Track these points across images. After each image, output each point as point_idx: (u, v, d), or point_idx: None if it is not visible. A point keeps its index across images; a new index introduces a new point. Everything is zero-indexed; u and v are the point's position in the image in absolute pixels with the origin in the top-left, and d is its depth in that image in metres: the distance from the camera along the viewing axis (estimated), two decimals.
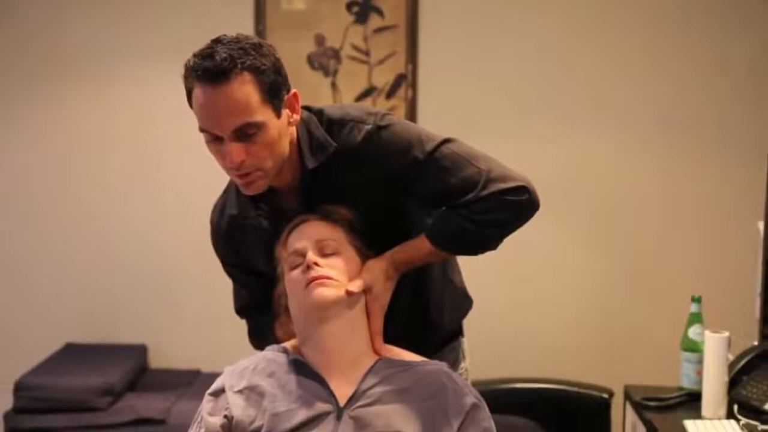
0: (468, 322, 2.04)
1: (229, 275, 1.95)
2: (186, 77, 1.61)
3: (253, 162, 1.62)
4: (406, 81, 3.82)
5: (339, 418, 1.53)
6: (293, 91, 1.67)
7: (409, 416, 1.53)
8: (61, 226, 3.98)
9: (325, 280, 1.59)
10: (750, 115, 3.71)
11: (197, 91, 1.58)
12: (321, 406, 1.54)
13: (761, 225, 2.86)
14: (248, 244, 1.82)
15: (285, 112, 1.65)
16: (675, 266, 3.78)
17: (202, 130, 1.62)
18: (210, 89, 1.56)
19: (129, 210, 3.96)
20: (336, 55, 3.84)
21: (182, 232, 3.81)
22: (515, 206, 1.68)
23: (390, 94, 3.82)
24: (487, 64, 3.82)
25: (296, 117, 1.69)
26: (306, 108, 1.75)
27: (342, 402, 1.55)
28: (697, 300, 2.64)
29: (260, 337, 1.87)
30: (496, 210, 1.67)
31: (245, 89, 1.57)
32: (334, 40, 3.83)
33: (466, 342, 2.02)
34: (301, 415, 1.52)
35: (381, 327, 1.66)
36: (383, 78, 3.83)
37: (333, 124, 1.72)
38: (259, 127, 1.59)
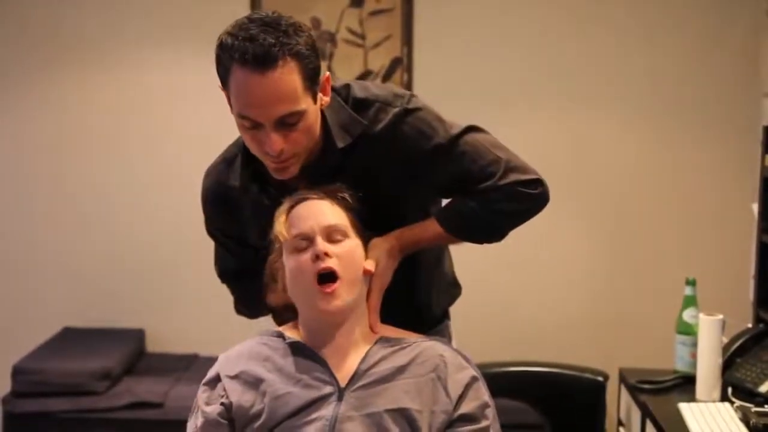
0: (461, 307, 2.04)
1: (213, 238, 1.90)
2: (222, 56, 1.54)
3: (291, 149, 1.59)
4: (401, 64, 3.81)
5: (340, 399, 1.53)
6: (327, 74, 1.63)
7: (409, 392, 1.54)
8: (59, 211, 3.97)
9: (336, 289, 1.56)
10: (744, 96, 3.70)
11: (239, 75, 1.52)
12: (322, 388, 1.54)
13: (755, 207, 2.87)
14: (244, 217, 1.78)
15: (319, 95, 1.62)
16: (670, 249, 3.79)
17: (240, 116, 1.56)
18: (256, 76, 1.50)
19: (127, 195, 3.96)
20: (332, 38, 3.82)
21: (180, 216, 3.79)
22: (529, 198, 1.72)
23: (385, 78, 3.80)
24: (483, 47, 3.81)
25: (327, 99, 1.65)
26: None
27: (343, 383, 1.55)
28: (691, 283, 2.65)
29: (249, 306, 1.84)
30: (510, 200, 1.70)
31: (291, 77, 1.52)
32: (330, 24, 3.81)
33: (453, 325, 2.02)
34: (302, 397, 1.53)
35: (379, 304, 1.66)
36: (379, 61, 3.82)
37: (359, 104, 1.70)
38: (301, 115, 1.56)
